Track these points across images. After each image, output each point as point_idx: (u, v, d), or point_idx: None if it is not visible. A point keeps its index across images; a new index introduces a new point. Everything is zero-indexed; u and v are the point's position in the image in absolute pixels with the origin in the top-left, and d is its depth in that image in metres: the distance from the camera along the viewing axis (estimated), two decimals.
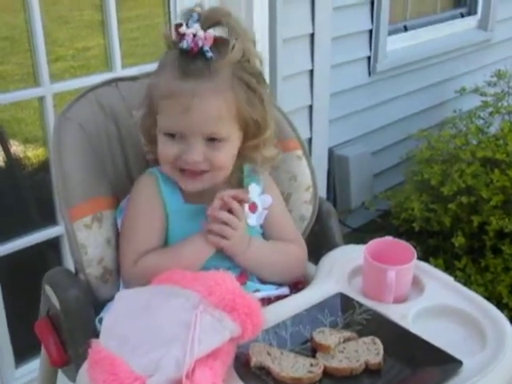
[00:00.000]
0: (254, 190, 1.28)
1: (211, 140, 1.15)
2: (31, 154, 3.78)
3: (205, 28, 1.12)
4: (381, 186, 3.05)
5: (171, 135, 1.16)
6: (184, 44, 1.11)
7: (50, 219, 2.01)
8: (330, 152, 2.87)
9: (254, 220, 1.28)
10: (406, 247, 1.21)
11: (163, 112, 1.15)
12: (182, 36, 1.12)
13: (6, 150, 3.11)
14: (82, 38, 5.45)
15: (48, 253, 2.21)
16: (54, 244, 2.06)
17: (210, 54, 1.11)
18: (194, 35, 1.11)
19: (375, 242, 1.22)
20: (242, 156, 1.23)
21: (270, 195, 1.31)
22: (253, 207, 1.27)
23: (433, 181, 2.53)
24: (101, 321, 1.10)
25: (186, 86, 1.11)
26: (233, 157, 1.21)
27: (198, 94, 1.11)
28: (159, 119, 1.17)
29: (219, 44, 1.13)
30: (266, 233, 1.32)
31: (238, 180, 1.28)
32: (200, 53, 1.11)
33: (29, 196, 2.87)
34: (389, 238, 1.24)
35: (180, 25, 1.12)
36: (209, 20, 1.13)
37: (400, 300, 1.17)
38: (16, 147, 3.88)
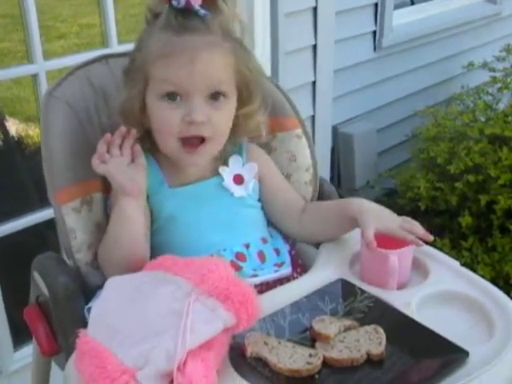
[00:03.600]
0: (235, 162, 1.27)
1: (213, 99, 1.12)
2: (33, 132, 3.76)
3: None
4: (386, 164, 3.02)
5: (172, 96, 1.11)
6: (176, 2, 1.08)
7: (48, 200, 1.97)
8: (334, 130, 2.83)
9: (241, 191, 1.25)
10: None
11: (161, 72, 1.10)
12: None
13: (3, 128, 3.08)
14: (86, 15, 5.40)
15: (47, 234, 2.18)
16: (53, 225, 2.02)
17: (203, 11, 1.09)
18: None
19: None
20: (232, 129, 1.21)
21: (259, 164, 1.29)
22: (237, 179, 1.26)
23: (439, 159, 2.49)
24: (89, 310, 1.06)
25: (186, 41, 1.09)
26: (230, 123, 1.19)
27: (199, 46, 1.09)
28: (154, 83, 1.12)
29: (208, 2, 1.11)
30: (268, 206, 1.30)
31: (224, 159, 1.27)
32: (192, 12, 1.09)
33: (28, 175, 2.84)
34: None
35: None
36: None
37: (402, 285, 1.12)
38: (17, 126, 3.86)
